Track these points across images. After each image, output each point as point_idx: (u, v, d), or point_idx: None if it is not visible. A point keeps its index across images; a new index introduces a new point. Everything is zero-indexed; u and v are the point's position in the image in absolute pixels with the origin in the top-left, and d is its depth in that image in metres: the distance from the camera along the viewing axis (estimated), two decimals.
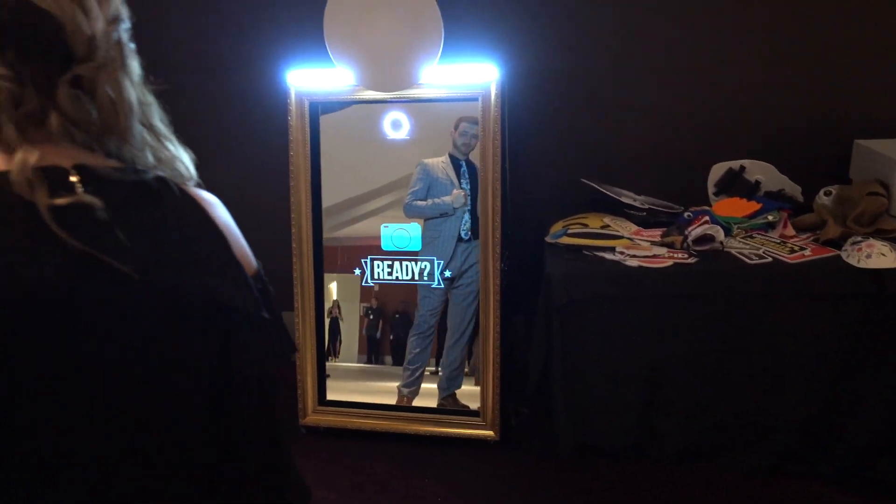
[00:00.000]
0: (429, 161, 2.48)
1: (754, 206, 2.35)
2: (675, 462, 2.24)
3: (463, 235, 2.52)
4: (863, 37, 2.47)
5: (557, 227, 2.45)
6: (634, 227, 2.41)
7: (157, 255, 0.73)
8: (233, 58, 2.60)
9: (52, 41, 0.69)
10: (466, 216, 2.49)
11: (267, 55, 2.56)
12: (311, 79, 2.40)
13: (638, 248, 2.26)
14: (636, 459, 2.28)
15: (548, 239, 2.40)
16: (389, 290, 2.58)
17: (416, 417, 2.51)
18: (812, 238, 2.26)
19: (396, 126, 2.46)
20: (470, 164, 2.47)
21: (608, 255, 2.25)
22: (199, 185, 0.85)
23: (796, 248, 2.18)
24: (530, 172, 2.66)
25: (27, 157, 0.67)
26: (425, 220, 2.52)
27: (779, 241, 2.24)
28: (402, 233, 2.53)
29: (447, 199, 2.51)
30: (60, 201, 0.67)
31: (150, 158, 0.80)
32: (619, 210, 2.51)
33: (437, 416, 2.50)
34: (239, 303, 0.80)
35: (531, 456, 2.40)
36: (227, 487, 0.84)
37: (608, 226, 2.42)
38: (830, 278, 2.07)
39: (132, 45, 0.79)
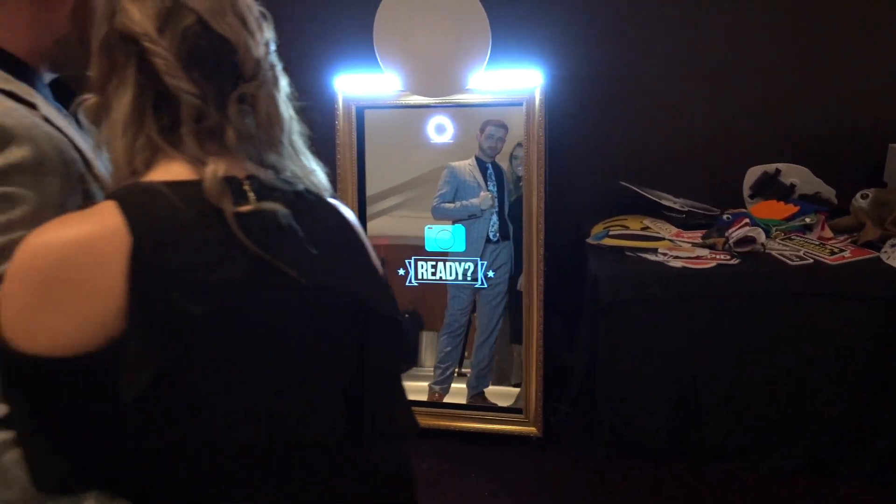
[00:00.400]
0: (456, 164, 2.54)
1: (792, 208, 2.40)
2: (716, 461, 2.29)
3: (492, 237, 2.57)
4: None
5: (598, 229, 2.51)
6: (674, 229, 2.47)
7: (316, 261, 0.78)
8: (283, 64, 2.66)
9: (227, 63, 0.75)
10: (494, 218, 2.55)
11: (315, 62, 2.62)
12: (357, 84, 2.46)
13: (680, 249, 2.31)
14: (677, 458, 2.33)
15: (590, 240, 2.45)
16: (398, 289, 2.62)
17: (461, 414, 2.56)
18: (850, 240, 2.32)
19: (440, 130, 2.51)
20: (496, 167, 2.52)
21: (651, 257, 2.30)
22: (333, 197, 0.91)
23: (836, 249, 2.24)
24: (567, 175, 2.72)
25: (217, 168, 0.73)
26: (453, 222, 2.57)
27: (818, 242, 2.30)
28: (444, 234, 2.59)
29: (475, 201, 2.56)
30: (243, 209, 0.73)
31: (294, 171, 0.85)
32: (658, 212, 2.56)
33: (483, 413, 2.56)
34: (378, 306, 0.86)
35: (573, 453, 2.46)
36: (355, 481, 0.89)
37: (648, 227, 2.48)
38: (871, 280, 2.12)
39: (280, 66, 0.85)
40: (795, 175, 2.55)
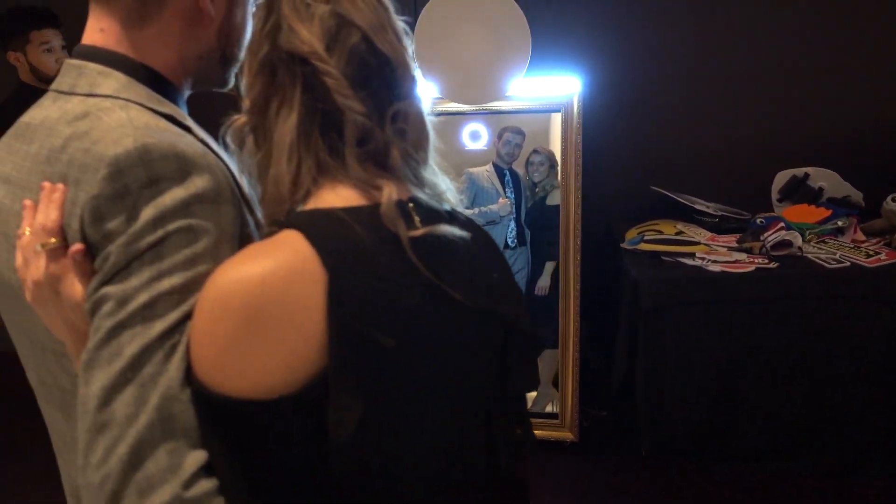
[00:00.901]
0: (474, 170, 2.55)
1: (824, 212, 2.44)
2: (753, 462, 2.32)
3: (510, 243, 2.58)
4: None
5: (632, 234, 2.52)
6: (708, 234, 2.49)
7: (474, 282, 0.76)
8: None
9: (387, 81, 0.74)
10: (512, 224, 2.56)
11: None
12: None
13: (717, 253, 2.34)
14: (716, 459, 2.35)
15: (625, 245, 2.47)
16: None
17: None
18: (882, 242, 2.36)
19: (475, 137, 2.52)
20: (513, 173, 2.54)
21: (688, 261, 2.32)
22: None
23: (871, 252, 2.28)
24: (596, 180, 2.74)
25: (391, 192, 0.71)
26: None
27: (852, 245, 2.34)
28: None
29: (493, 207, 2.57)
30: (416, 233, 0.70)
31: (435, 188, 0.84)
32: (689, 216, 2.59)
33: None
34: (522, 324, 0.85)
35: (610, 457, 2.47)
36: (486, 498, 0.89)
37: (682, 232, 2.50)
38: None
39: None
40: (823, 179, 2.59)
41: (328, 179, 0.73)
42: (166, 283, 0.64)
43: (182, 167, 0.67)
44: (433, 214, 0.76)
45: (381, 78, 0.73)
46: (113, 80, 0.77)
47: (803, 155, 2.67)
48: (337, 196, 0.72)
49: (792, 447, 2.30)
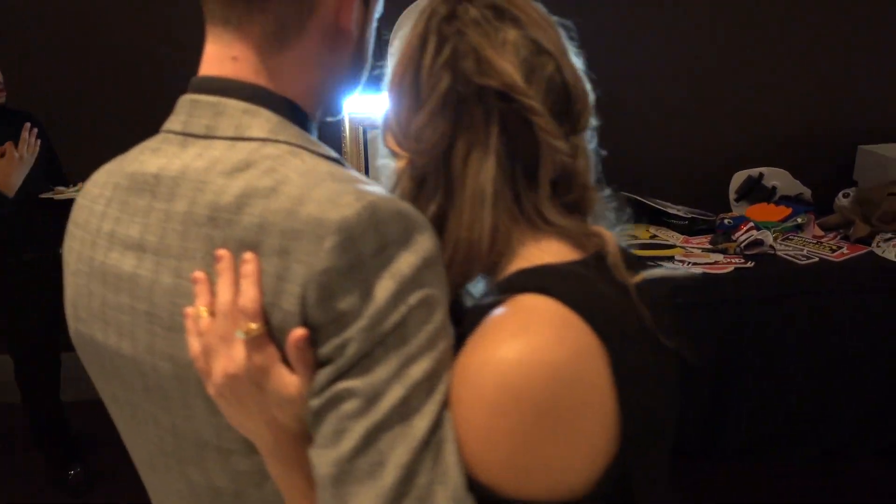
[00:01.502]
0: None
1: (785, 210, 2.55)
2: (740, 458, 2.39)
3: None
4: (864, 49, 2.75)
5: None
6: (680, 236, 2.55)
7: (663, 321, 0.70)
8: None
9: (572, 114, 0.67)
10: None
11: None
12: (364, 105, 2.35)
13: (694, 255, 2.40)
14: (703, 457, 2.41)
15: None
16: None
17: None
18: (840, 237, 2.49)
19: None
20: None
21: (668, 265, 2.37)
22: None
23: (834, 247, 2.40)
24: None
25: (612, 238, 0.64)
26: None
27: (814, 241, 2.46)
28: None
29: None
30: (636, 280, 0.64)
31: None
32: (658, 220, 2.64)
33: None
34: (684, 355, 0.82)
35: None
36: None
37: (656, 236, 2.55)
38: (873, 273, 2.29)
39: None
40: (776, 178, 2.71)
41: (529, 230, 0.65)
42: (417, 371, 0.53)
43: (406, 227, 0.56)
44: (630, 255, 0.70)
45: (570, 111, 0.67)
46: (263, 120, 0.63)
47: (753, 156, 2.79)
48: (556, 248, 0.64)
49: (781, 441, 2.38)
